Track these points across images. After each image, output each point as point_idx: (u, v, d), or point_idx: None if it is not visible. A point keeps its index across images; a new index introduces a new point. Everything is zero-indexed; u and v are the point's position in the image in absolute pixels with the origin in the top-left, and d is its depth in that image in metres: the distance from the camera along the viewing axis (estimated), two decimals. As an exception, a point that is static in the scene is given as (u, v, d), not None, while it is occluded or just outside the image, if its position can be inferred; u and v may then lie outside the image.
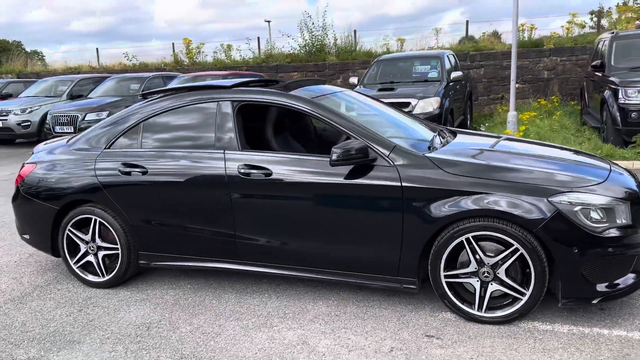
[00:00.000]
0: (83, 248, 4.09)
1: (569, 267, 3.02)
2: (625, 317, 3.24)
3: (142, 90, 12.92)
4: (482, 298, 3.21)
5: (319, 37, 16.25)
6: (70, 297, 3.99)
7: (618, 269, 3.09)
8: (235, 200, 3.60)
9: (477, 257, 3.17)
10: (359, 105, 4.39)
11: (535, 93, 13.46)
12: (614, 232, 3.02)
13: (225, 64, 17.44)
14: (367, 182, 3.30)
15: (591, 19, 16.58)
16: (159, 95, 4.11)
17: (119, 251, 3.98)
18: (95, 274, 4.11)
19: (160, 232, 3.87)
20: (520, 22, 12.99)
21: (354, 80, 10.28)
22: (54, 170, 4.11)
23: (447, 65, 9.89)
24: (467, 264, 3.22)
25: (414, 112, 8.28)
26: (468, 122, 11.27)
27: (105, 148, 4.01)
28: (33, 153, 4.49)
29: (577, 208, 3.00)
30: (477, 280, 3.20)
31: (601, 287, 3.06)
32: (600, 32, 14.56)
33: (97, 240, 4.04)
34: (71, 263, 4.14)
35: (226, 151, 3.66)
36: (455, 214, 3.12)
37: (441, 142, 3.78)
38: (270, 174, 3.50)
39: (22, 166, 4.37)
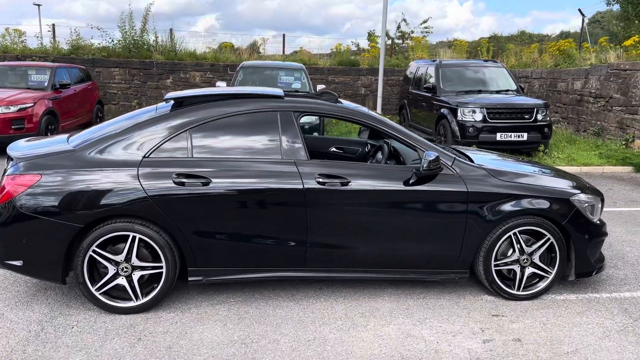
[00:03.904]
0: (112, 270, 3.56)
1: (581, 249, 4.04)
2: (595, 285, 4.42)
3: None
4: (520, 280, 4.01)
5: (137, 34, 15.31)
6: (105, 327, 3.45)
7: (598, 250, 4.24)
8: (311, 209, 3.67)
9: (519, 247, 3.96)
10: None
11: (354, 106, 15.19)
12: (600, 222, 4.15)
13: (16, 51, 15.01)
14: (438, 188, 3.79)
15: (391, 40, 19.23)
16: (196, 101, 3.84)
17: (163, 270, 3.61)
18: (124, 298, 3.62)
19: (222, 245, 3.65)
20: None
21: (221, 84, 10.23)
22: (75, 182, 3.47)
23: (309, 78, 10.63)
24: (506, 253, 3.99)
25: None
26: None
27: (145, 156, 3.58)
28: (12, 159, 3.65)
29: (584, 205, 4.04)
30: (518, 266, 3.99)
31: (595, 263, 4.16)
32: (392, 56, 17.16)
33: (134, 259, 3.57)
34: (92, 290, 3.56)
35: (297, 161, 3.70)
36: (510, 213, 3.86)
37: (460, 156, 4.40)
38: (348, 182, 3.70)
39: (4, 178, 3.52)
